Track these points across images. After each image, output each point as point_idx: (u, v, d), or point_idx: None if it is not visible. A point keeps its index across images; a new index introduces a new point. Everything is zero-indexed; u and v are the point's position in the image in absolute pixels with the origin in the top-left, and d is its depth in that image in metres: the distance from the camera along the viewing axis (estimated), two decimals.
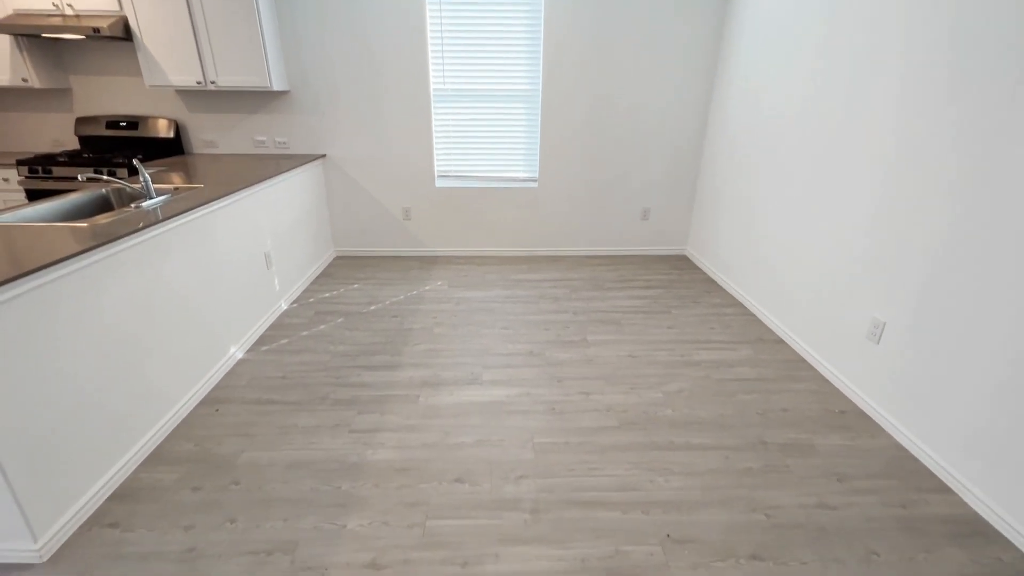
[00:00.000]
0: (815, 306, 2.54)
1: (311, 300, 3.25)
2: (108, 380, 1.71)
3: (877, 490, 1.78)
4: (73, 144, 3.63)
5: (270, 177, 2.85)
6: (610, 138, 3.78)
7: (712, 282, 3.63)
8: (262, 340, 2.73)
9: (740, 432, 2.06)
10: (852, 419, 2.15)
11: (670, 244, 4.19)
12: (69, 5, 3.02)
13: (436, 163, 3.84)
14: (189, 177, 2.78)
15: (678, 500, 1.72)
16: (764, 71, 2.99)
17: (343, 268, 3.83)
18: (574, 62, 3.55)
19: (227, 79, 3.22)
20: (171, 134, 3.55)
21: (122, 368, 1.77)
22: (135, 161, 2.24)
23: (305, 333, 2.82)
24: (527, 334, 2.84)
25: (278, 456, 1.90)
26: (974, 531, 1.62)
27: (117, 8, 3.05)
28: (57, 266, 1.48)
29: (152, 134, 3.54)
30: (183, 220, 2.10)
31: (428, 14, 3.39)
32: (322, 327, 2.89)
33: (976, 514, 1.68)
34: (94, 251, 1.62)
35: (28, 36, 3.14)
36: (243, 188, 2.54)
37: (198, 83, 3.22)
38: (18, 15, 3.01)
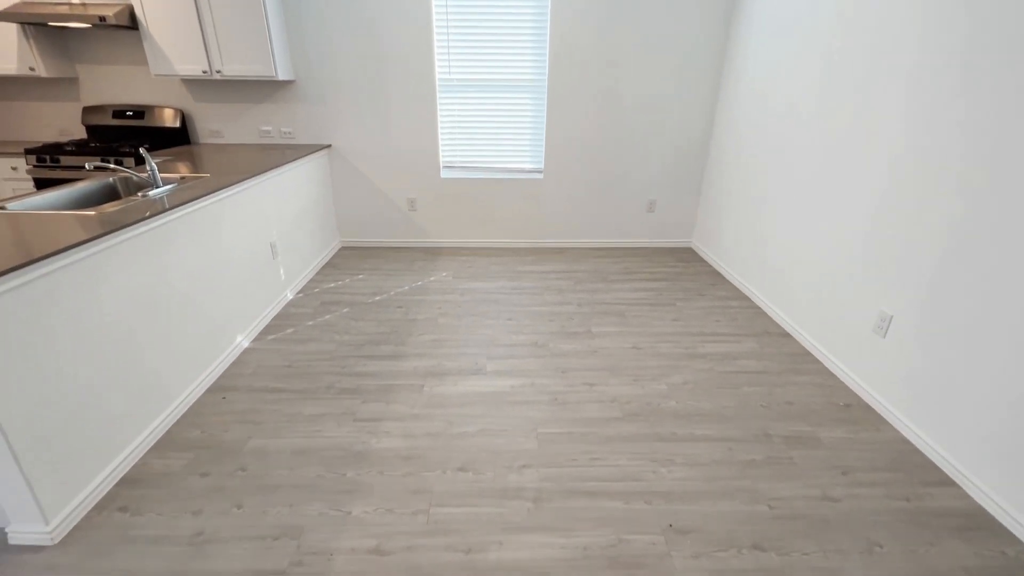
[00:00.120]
0: (821, 300, 2.53)
1: (316, 290, 3.26)
2: (118, 367, 1.73)
3: (881, 483, 1.78)
4: (80, 133, 3.65)
5: (276, 167, 2.86)
6: (616, 130, 3.75)
7: (718, 275, 3.61)
8: (268, 329, 2.75)
9: (744, 424, 2.06)
10: (857, 412, 2.15)
11: (676, 237, 4.17)
12: None
13: (442, 154, 3.83)
14: (195, 166, 2.79)
15: (681, 491, 1.73)
16: (772, 62, 2.95)
17: (348, 258, 3.84)
18: (581, 53, 3.51)
19: (233, 68, 3.22)
20: (177, 123, 3.56)
21: (131, 356, 1.79)
22: (142, 150, 2.25)
23: (311, 323, 2.83)
24: (531, 325, 2.85)
25: (284, 443, 1.92)
26: (978, 525, 1.62)
27: None
28: (66, 253, 1.49)
29: (158, 123, 3.55)
30: (190, 209, 2.11)
31: (434, 3, 3.36)
32: (327, 317, 2.90)
33: (981, 508, 1.68)
34: (102, 239, 1.63)
35: (35, 24, 3.14)
36: (249, 178, 2.55)
37: (204, 72, 3.22)
38: (25, 3, 3.01)
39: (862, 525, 1.60)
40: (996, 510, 1.64)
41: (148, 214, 1.84)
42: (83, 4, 3.03)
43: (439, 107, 3.67)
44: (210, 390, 2.22)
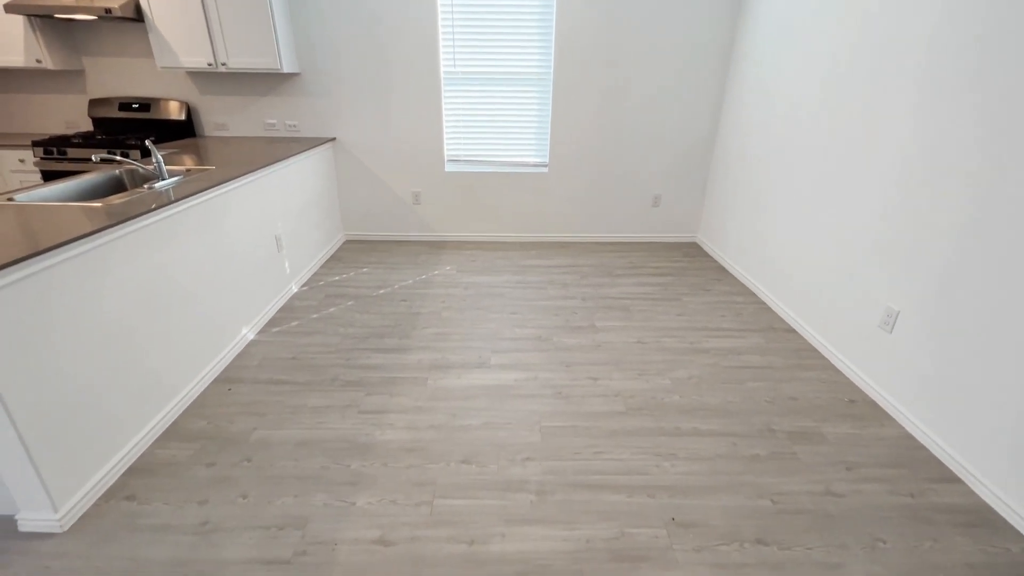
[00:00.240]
0: (827, 295, 2.51)
1: (321, 283, 3.27)
2: (124, 359, 1.74)
3: (886, 479, 1.77)
4: (87, 125, 3.66)
5: (280, 160, 2.86)
6: (622, 124, 3.73)
7: (723, 270, 3.59)
8: (273, 322, 2.76)
9: (748, 419, 2.06)
10: (862, 408, 2.14)
11: (681, 231, 4.15)
12: None
13: (446, 147, 3.82)
14: (201, 159, 2.79)
15: (684, 485, 1.73)
16: (778, 56, 2.91)
17: (353, 252, 3.84)
18: (587, 47, 3.49)
19: (238, 61, 3.21)
20: (183, 116, 3.57)
21: (137, 348, 1.80)
22: (148, 143, 2.26)
23: (315, 316, 2.84)
24: (535, 319, 2.85)
25: (289, 435, 1.93)
26: (983, 521, 1.61)
27: None
28: (74, 244, 1.50)
29: (164, 116, 3.56)
30: (195, 201, 2.12)
31: None
32: (332, 310, 2.91)
33: (986, 504, 1.67)
34: (109, 230, 1.64)
35: (41, 17, 3.15)
36: (254, 171, 2.55)
37: (209, 65, 3.22)
38: None
39: (865, 520, 1.60)
40: (1001, 507, 1.63)
41: (154, 206, 1.85)
42: None
43: (444, 100, 3.66)
44: (216, 382, 2.24)
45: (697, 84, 3.62)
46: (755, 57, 3.21)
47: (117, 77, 3.56)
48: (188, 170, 2.49)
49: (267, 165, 2.70)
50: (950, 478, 1.78)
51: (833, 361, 2.45)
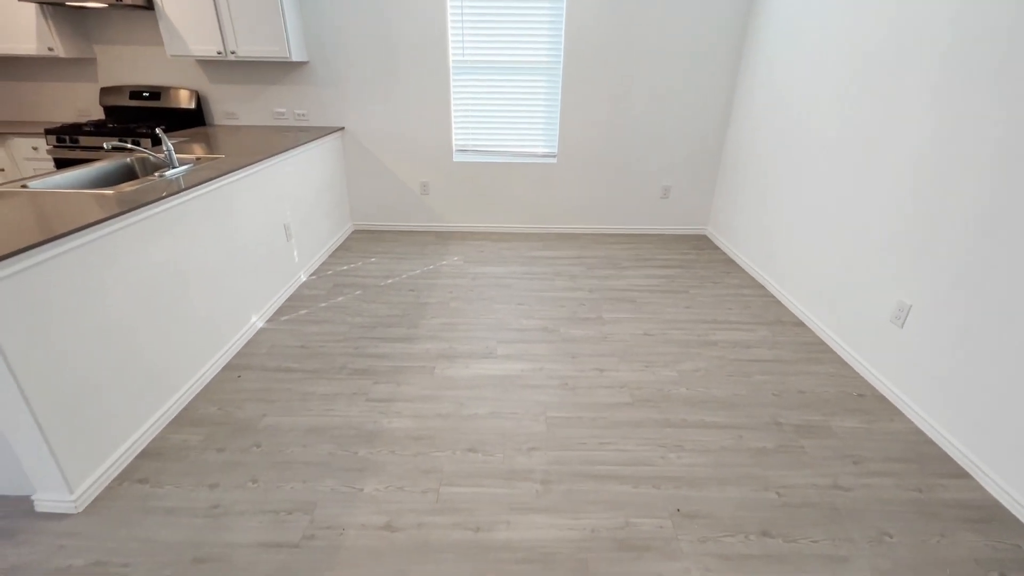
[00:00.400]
0: (838, 289, 2.49)
1: (329, 272, 3.29)
2: (135, 345, 1.77)
3: (893, 473, 1.76)
4: (98, 114, 3.68)
5: (290, 149, 2.86)
6: (632, 115, 3.69)
7: (732, 263, 3.56)
8: (282, 310, 2.79)
9: (755, 412, 2.05)
10: (871, 403, 2.12)
11: (690, 224, 4.12)
12: None
13: (455, 137, 3.80)
14: (210, 148, 2.81)
15: (689, 476, 1.73)
16: (792, 47, 2.86)
17: (361, 242, 3.86)
18: (597, 37, 3.45)
19: (247, 49, 3.21)
20: (192, 105, 3.58)
21: (148, 334, 1.83)
22: (158, 131, 2.27)
23: (323, 304, 2.86)
24: (542, 310, 2.85)
25: (297, 421, 1.95)
26: (992, 517, 1.60)
27: None
28: (85, 231, 1.52)
29: (174, 105, 3.57)
30: (206, 189, 2.13)
31: None
32: (340, 299, 2.93)
33: (995, 501, 1.66)
34: (119, 218, 1.65)
35: (53, 4, 3.16)
36: (263, 159, 2.56)
37: (218, 53, 3.22)
38: None
39: (873, 515, 1.59)
40: (1011, 503, 1.62)
41: (165, 194, 1.86)
42: None
43: (452, 89, 3.64)
44: (225, 368, 2.27)
45: (708, 75, 3.56)
46: (767, 52, 3.16)
47: (128, 65, 3.58)
48: (198, 159, 2.51)
49: (276, 154, 2.70)
50: (959, 473, 1.77)
51: (842, 355, 2.43)
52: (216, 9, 3.11)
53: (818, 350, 2.50)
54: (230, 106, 3.69)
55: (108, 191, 1.86)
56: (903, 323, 2.07)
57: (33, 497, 1.53)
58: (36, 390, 1.39)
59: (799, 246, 2.82)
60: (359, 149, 3.84)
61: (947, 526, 1.56)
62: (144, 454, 1.78)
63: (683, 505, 1.62)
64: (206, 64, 3.57)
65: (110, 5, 3.04)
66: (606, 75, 3.57)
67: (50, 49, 3.28)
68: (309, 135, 3.27)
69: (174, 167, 2.26)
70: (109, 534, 1.47)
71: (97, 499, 1.59)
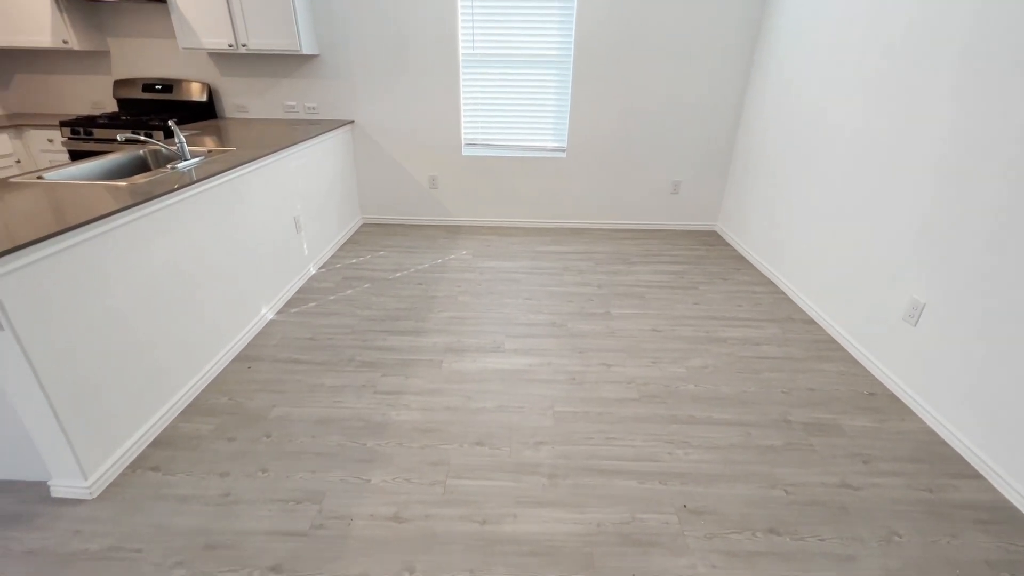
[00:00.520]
0: (850, 287, 2.46)
1: (338, 265, 3.31)
2: (148, 335, 1.79)
3: (904, 473, 1.74)
4: (112, 106, 3.72)
5: (300, 142, 2.88)
6: (642, 110, 3.66)
7: (742, 259, 3.53)
8: (291, 303, 2.81)
9: (763, 409, 2.04)
10: (882, 401, 2.10)
11: (700, 219, 4.08)
12: None
13: (464, 130, 3.79)
14: (222, 140, 2.82)
15: (696, 472, 1.73)
16: (806, 43, 2.81)
17: (370, 235, 3.87)
18: (608, 30, 3.41)
19: (258, 42, 3.22)
20: (204, 98, 3.60)
21: (160, 324, 1.85)
22: (170, 124, 2.29)
23: (332, 297, 2.88)
24: (550, 305, 2.84)
25: (307, 412, 1.97)
26: (1004, 518, 1.58)
27: None
28: (98, 223, 1.54)
29: (186, 97, 3.60)
30: (217, 182, 2.15)
31: None
32: (349, 292, 2.95)
33: (1008, 502, 1.64)
34: (132, 209, 1.67)
35: None
36: (274, 152, 2.57)
37: (230, 46, 3.24)
38: None
39: (881, 514, 1.58)
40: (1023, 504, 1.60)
41: (177, 186, 1.88)
42: None
43: (462, 83, 3.63)
44: (236, 359, 2.29)
45: (720, 72, 3.52)
46: (779, 50, 3.11)
47: (141, 58, 3.61)
48: (209, 151, 2.53)
49: (287, 147, 2.71)
50: (971, 474, 1.75)
51: (853, 353, 2.41)
52: (228, 2, 3.12)
53: (829, 348, 2.48)
54: (241, 99, 3.71)
55: (122, 183, 1.89)
56: (916, 321, 2.04)
57: (49, 483, 1.56)
58: (52, 378, 1.42)
59: (810, 243, 2.79)
60: (369, 142, 3.84)
61: (958, 527, 1.55)
62: (156, 443, 1.81)
63: (689, 501, 1.62)
64: (217, 57, 3.59)
65: None
66: (617, 70, 3.54)
67: (65, 42, 3.31)
68: (319, 128, 3.28)
69: (186, 159, 2.28)
70: (123, 520, 1.50)
71: (111, 486, 1.62)
